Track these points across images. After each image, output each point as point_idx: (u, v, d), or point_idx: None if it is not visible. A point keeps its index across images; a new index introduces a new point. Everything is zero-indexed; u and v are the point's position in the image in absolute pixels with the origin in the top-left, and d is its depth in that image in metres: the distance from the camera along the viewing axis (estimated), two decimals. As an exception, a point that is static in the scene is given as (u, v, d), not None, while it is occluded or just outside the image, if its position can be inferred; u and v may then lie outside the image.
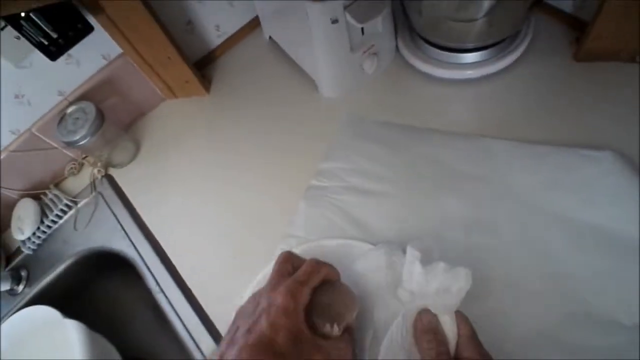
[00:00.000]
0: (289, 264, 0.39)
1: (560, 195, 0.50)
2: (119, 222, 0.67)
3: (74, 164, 0.73)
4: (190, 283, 0.59)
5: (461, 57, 0.61)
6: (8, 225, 0.71)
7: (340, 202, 0.57)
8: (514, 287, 0.46)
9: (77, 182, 0.73)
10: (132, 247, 0.64)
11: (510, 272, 0.47)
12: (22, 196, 0.71)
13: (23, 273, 0.68)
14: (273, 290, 0.35)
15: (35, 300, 0.67)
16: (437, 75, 0.63)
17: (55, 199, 0.70)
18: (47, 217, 0.69)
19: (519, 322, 0.44)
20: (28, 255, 0.69)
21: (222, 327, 0.54)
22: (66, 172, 0.73)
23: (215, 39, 0.76)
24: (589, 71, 0.57)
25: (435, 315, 0.37)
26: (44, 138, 0.68)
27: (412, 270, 0.40)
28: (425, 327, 0.36)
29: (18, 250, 0.70)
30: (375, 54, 0.63)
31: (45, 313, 0.60)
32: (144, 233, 0.65)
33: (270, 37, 0.75)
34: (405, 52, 0.65)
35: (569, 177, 0.50)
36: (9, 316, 0.63)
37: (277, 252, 0.55)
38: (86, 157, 0.73)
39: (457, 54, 0.61)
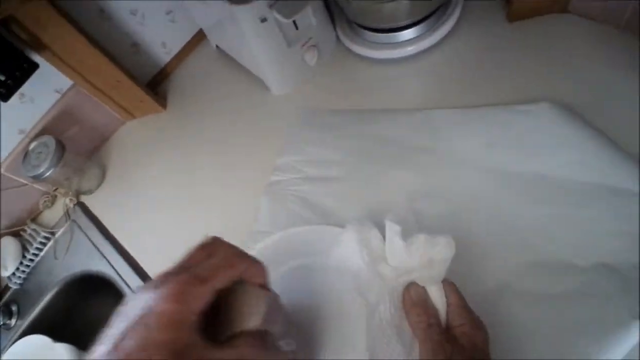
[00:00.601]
0: (204, 251, 0.30)
1: (502, 152, 0.50)
2: (94, 245, 0.69)
3: (47, 197, 0.75)
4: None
5: (396, 36, 0.62)
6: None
7: (300, 192, 0.59)
8: (471, 247, 0.46)
9: (52, 214, 0.75)
10: (110, 266, 0.66)
11: (465, 233, 0.47)
12: (2, 235, 0.73)
13: (14, 307, 0.71)
14: (158, 287, 0.26)
15: (28, 331, 0.69)
16: (377, 57, 0.64)
17: (33, 233, 0.73)
18: (28, 251, 0.72)
19: (478, 280, 0.44)
20: (16, 290, 0.72)
21: None
22: (41, 206, 0.75)
23: (164, 56, 0.77)
24: (523, 30, 0.57)
25: (422, 288, 0.37)
26: (13, 177, 0.70)
27: (394, 245, 0.39)
28: (414, 300, 0.36)
29: (6, 287, 0.73)
30: (314, 45, 0.64)
31: (38, 341, 0.64)
32: (119, 252, 0.67)
33: (217, 46, 0.77)
34: (344, 40, 0.67)
35: (508, 134, 0.51)
36: (6, 349, 0.66)
37: (247, 252, 0.57)
38: (57, 188, 0.75)
39: (392, 34, 0.62)
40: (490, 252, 0.46)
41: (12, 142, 0.68)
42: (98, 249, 0.68)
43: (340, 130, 0.61)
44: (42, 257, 0.72)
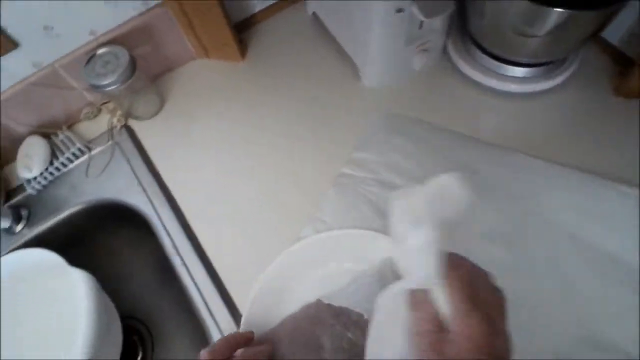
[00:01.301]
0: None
1: (587, 222, 0.52)
2: (136, 176, 0.64)
3: (91, 108, 0.69)
4: (208, 251, 0.58)
5: (509, 69, 0.62)
6: (11, 160, 0.67)
7: (370, 193, 0.58)
8: (531, 304, 0.47)
9: (92, 128, 0.69)
10: (150, 204, 0.62)
11: (528, 288, 0.48)
12: (32, 133, 0.67)
13: (23, 212, 0.65)
14: None
15: (34, 243, 0.64)
16: (481, 82, 0.64)
17: (67, 141, 0.67)
18: (57, 158, 0.66)
19: (533, 339, 0.45)
20: (31, 195, 0.66)
21: (238, 300, 0.54)
22: (82, 116, 0.69)
23: (258, 2, 0.73)
24: (628, 107, 0.59)
25: (423, 291, 0.32)
26: (65, 76, 0.64)
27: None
28: (413, 304, 0.33)
29: (20, 188, 0.67)
30: (426, 50, 0.63)
31: (49, 258, 0.56)
32: (163, 191, 0.63)
33: (314, 13, 0.73)
34: (453, 54, 0.66)
35: (600, 207, 0.53)
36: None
37: (303, 234, 0.56)
38: (106, 103, 0.69)
39: (506, 66, 0.62)
40: (547, 316, 0.47)
41: (78, 40, 0.62)
42: (138, 179, 0.64)
43: (427, 144, 0.60)
44: (71, 169, 0.67)
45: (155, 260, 0.70)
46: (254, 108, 0.68)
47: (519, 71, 0.62)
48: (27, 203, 0.65)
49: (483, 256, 0.48)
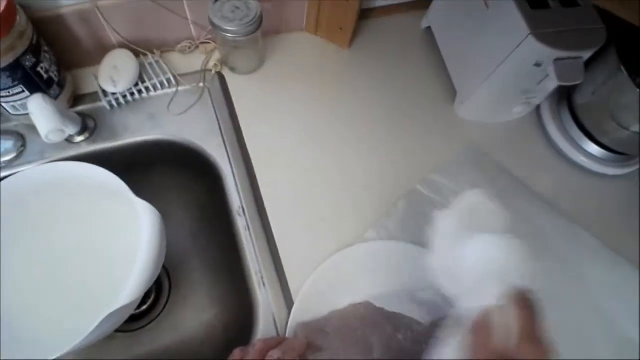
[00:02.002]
0: None
1: (622, 305, 0.56)
2: (219, 126, 0.63)
3: (189, 43, 0.66)
4: (273, 223, 0.57)
5: (591, 146, 0.66)
6: (88, 64, 0.64)
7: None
8: None
9: (183, 63, 0.67)
10: (227, 158, 0.61)
11: None
12: (121, 46, 0.63)
13: (90, 123, 0.61)
14: None
15: (90, 159, 0.60)
16: (563, 148, 0.67)
17: (157, 67, 0.64)
18: (143, 81, 0.63)
19: None
20: (103, 108, 0.62)
21: (293, 280, 0.54)
22: (177, 47, 0.66)
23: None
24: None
25: (487, 312, 0.34)
26: (185, 2, 0.61)
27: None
28: (474, 325, 0.33)
29: (90, 97, 0.63)
30: (529, 103, 0.65)
31: (112, 182, 0.50)
32: (242, 151, 0.61)
33: (428, 28, 0.74)
34: (545, 113, 0.69)
35: (633, 293, 0.57)
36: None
37: (367, 235, 0.57)
38: (205, 43, 0.67)
39: (591, 143, 0.66)
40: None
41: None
42: (221, 130, 0.62)
43: (499, 190, 0.63)
44: (153, 97, 0.64)
45: (203, 213, 0.69)
46: (346, 98, 0.68)
47: (598, 151, 0.66)
48: (96, 115, 0.62)
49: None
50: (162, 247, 0.51)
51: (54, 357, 0.40)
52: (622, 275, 0.59)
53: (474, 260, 0.37)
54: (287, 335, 0.50)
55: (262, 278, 0.54)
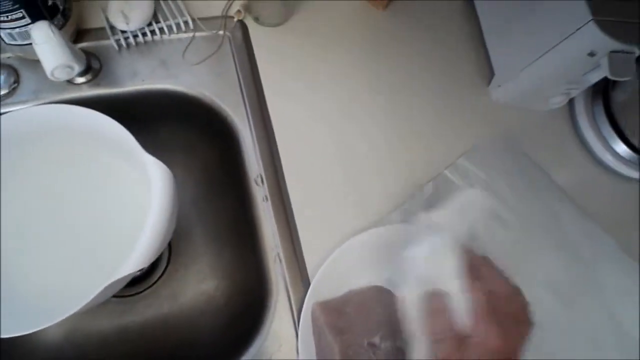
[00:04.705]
0: None
1: (631, 310, 0.56)
2: (240, 82, 0.57)
3: (211, -18, 0.59)
4: (292, 195, 0.53)
5: (622, 147, 0.64)
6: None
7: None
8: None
9: (202, 5, 0.59)
10: (247, 119, 0.55)
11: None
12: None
13: (94, 64, 0.54)
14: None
15: (91, 104, 0.53)
16: (591, 146, 0.65)
17: (174, 7, 0.57)
18: (157, 21, 0.56)
19: None
20: (109, 47, 0.55)
21: (310, 258, 0.51)
22: (198, -13, 0.59)
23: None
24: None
25: (444, 296, 0.35)
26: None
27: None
28: (431, 310, 0.35)
29: (96, 34, 0.55)
30: (567, 95, 0.62)
31: (122, 134, 0.44)
32: (262, 113, 0.56)
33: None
34: (578, 106, 0.66)
35: None
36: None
37: (391, 217, 0.54)
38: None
39: (621, 143, 0.64)
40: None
41: None
42: (241, 87, 0.56)
43: (526, 180, 0.61)
44: (166, 42, 0.57)
45: (211, 178, 0.64)
46: (375, 64, 0.63)
47: (627, 153, 0.64)
48: (101, 54, 0.55)
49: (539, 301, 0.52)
50: (174, 208, 0.46)
51: (50, 324, 0.36)
52: (635, 281, 0.58)
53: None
54: (302, 315, 0.47)
55: (278, 254, 0.50)
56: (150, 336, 0.56)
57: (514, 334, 0.33)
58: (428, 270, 0.38)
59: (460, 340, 0.33)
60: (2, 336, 0.36)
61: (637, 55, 0.53)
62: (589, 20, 0.50)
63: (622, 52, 0.52)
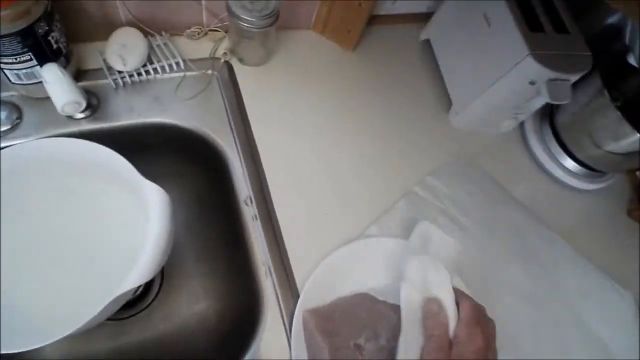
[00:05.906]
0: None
1: (592, 308, 0.63)
2: (228, 115, 0.63)
3: (199, 29, 0.66)
4: (279, 214, 0.58)
5: (567, 161, 0.72)
6: (92, 39, 0.61)
7: (432, 219, 0.63)
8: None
9: (190, 48, 0.66)
10: (235, 148, 0.61)
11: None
12: (129, 23, 0.62)
13: (93, 101, 0.59)
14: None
15: (89, 138, 0.58)
16: (542, 162, 0.73)
17: (165, 49, 0.63)
18: (151, 62, 0.62)
19: None
20: (107, 86, 0.60)
21: (298, 271, 0.55)
22: (186, 32, 0.66)
23: (385, 6, 0.76)
24: (633, 227, 0.73)
25: (438, 302, 0.45)
26: (197, -11, 0.61)
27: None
28: (428, 312, 0.44)
29: (94, 74, 0.61)
30: (516, 118, 0.71)
31: (121, 164, 0.48)
32: (249, 142, 0.62)
33: (427, 40, 0.78)
34: (528, 128, 0.75)
35: (601, 297, 0.64)
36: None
37: (369, 231, 0.59)
38: (214, 30, 0.67)
39: (568, 159, 0.72)
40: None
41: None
42: (229, 118, 0.62)
43: (486, 195, 0.68)
44: (160, 80, 0.62)
45: (201, 202, 0.68)
46: (348, 99, 0.70)
47: (574, 167, 0.72)
48: (99, 93, 0.60)
49: (506, 307, 0.59)
50: (172, 227, 0.49)
51: (48, 342, 0.38)
52: (592, 280, 0.65)
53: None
54: (294, 322, 0.50)
55: (269, 268, 0.54)
56: (146, 357, 0.58)
57: (491, 340, 0.43)
58: (423, 279, 0.47)
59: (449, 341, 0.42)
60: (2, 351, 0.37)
61: (572, 81, 0.62)
62: (527, 55, 0.59)
63: (559, 79, 0.61)
